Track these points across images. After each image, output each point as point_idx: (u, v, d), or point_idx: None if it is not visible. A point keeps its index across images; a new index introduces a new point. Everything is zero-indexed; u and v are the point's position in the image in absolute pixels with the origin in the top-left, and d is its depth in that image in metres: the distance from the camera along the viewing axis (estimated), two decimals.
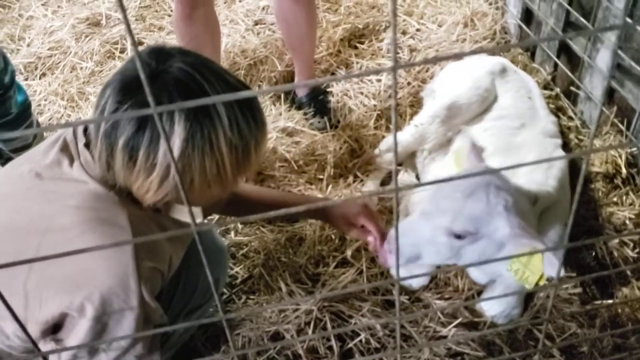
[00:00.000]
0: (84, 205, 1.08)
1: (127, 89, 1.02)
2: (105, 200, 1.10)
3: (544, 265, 1.32)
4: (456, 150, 1.64)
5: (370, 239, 1.52)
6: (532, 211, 1.57)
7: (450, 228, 1.38)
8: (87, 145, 1.14)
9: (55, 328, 1.08)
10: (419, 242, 1.42)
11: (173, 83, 1.01)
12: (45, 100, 2.71)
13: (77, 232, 1.05)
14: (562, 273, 1.82)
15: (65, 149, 1.15)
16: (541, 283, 1.47)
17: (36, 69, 2.90)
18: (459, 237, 1.39)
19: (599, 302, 1.82)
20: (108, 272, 1.05)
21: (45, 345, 1.08)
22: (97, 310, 1.04)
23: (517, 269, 1.42)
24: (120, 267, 1.06)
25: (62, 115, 2.65)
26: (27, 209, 1.10)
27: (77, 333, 1.06)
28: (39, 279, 1.04)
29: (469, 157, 1.55)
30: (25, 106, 2.14)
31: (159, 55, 1.04)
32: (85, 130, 1.16)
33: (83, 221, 1.06)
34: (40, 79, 2.86)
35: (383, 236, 1.49)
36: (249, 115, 1.07)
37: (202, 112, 1.01)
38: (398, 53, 2.75)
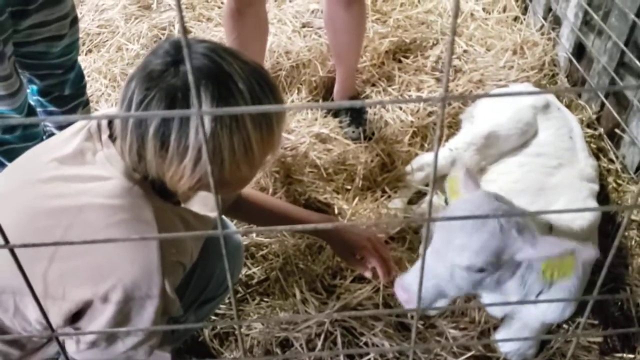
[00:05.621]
0: (108, 199, 1.08)
1: (151, 78, 1.04)
2: (130, 194, 1.10)
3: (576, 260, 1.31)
4: (449, 179, 1.60)
5: (367, 274, 1.51)
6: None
7: (472, 265, 1.34)
8: (111, 137, 1.14)
9: (75, 318, 1.09)
10: (438, 283, 1.39)
11: (196, 67, 1.04)
12: (89, 77, 2.75)
13: (103, 226, 1.05)
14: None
15: (89, 139, 1.16)
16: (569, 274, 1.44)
17: (83, 44, 2.95)
18: (481, 270, 1.37)
19: (619, 354, 1.76)
20: (133, 264, 1.05)
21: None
22: (120, 300, 1.05)
23: (549, 271, 1.40)
24: (145, 260, 1.06)
25: (103, 93, 2.69)
26: (51, 199, 1.09)
27: (99, 321, 1.07)
28: (62, 270, 1.05)
29: (466, 184, 1.50)
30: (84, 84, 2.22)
31: (178, 46, 1.08)
32: (110, 122, 1.16)
33: (108, 215, 1.06)
34: (86, 55, 2.91)
35: (389, 269, 1.47)
36: (268, 91, 1.10)
37: (226, 91, 1.04)
38: (441, 72, 2.72)
